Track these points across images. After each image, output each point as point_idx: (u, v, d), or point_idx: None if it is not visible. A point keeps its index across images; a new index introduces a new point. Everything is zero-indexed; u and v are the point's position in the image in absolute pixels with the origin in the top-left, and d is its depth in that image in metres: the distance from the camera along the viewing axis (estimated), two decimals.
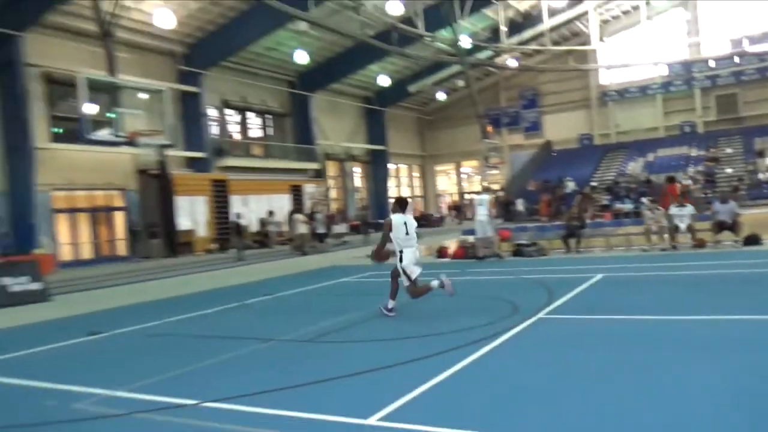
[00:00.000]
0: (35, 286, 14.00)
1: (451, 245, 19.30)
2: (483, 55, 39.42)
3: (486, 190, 20.44)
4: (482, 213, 16.26)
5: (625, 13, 42.63)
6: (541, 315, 8.44)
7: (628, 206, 31.19)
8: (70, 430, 5.31)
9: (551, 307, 8.93)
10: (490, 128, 42.61)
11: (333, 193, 40.25)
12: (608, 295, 9.76)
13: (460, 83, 43.25)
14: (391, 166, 44.79)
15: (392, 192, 45.87)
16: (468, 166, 50.58)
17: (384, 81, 38.54)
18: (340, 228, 29.69)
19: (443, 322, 8.41)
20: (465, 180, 51.17)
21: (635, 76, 42.98)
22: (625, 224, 19.80)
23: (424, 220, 41.94)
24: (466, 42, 34.85)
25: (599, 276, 11.65)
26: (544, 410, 5.04)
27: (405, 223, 9.11)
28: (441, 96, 46.08)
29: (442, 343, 7.15)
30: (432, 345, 7.09)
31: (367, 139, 42.96)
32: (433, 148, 50.42)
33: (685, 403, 5.01)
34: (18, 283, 13.78)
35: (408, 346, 7.23)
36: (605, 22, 43.21)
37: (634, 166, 38.90)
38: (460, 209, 46.52)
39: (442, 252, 18.32)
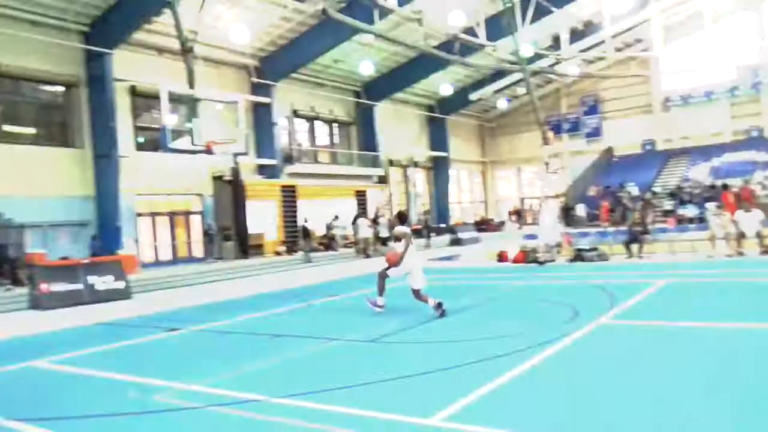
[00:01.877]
0: (119, 284, 14.57)
1: (512, 250, 19.00)
2: (544, 62, 38.74)
3: (555, 196, 19.99)
4: (548, 218, 16.08)
5: (690, 17, 41.12)
6: (602, 320, 8.19)
7: (692, 212, 29.99)
8: (149, 420, 5.49)
9: (613, 313, 8.65)
10: (551, 134, 41.84)
11: (396, 198, 40.30)
12: (673, 302, 9.38)
13: (521, 90, 42.61)
14: (452, 172, 44.48)
15: (453, 197, 45.55)
16: (528, 172, 49.78)
17: (446, 89, 38.33)
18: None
19: (503, 325, 8.27)
20: (525, 185, 50.36)
21: (699, 81, 41.32)
22: (690, 230, 19.05)
23: (484, 225, 41.51)
24: (527, 50, 34.34)
25: (663, 282, 11.23)
26: (598, 419, 4.87)
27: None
28: (502, 103, 45.48)
29: (501, 346, 7.03)
30: (492, 348, 6.98)
31: (429, 146, 42.75)
32: (494, 154, 49.86)
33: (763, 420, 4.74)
34: (103, 282, 14.35)
35: (469, 348, 7.15)
36: (668, 27, 41.76)
37: (698, 172, 37.39)
38: (521, 214, 45.79)
39: (502, 257, 18.08)
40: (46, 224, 22.08)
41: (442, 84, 38.22)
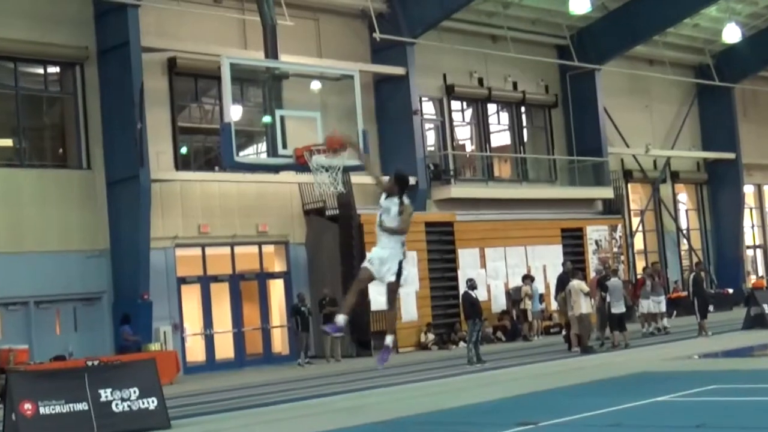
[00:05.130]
0: (149, 403, 15.11)
1: None
2: None
3: None
4: None
5: None
6: None
7: None
8: None
9: None
10: None
11: (639, 241, 39.38)
12: None
13: None
14: (747, 188, 42.98)
15: (749, 236, 43.76)
16: None
17: (731, 34, 37.21)
18: (654, 303, 28.71)
19: None
20: None
21: None
22: None
23: None
24: None
25: None
26: None
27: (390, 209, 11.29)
28: None
29: None
30: None
31: (699, 141, 41.85)
32: None
33: None
34: (123, 399, 14.97)
35: None
36: None
37: None
38: None
39: None
40: (31, 300, 23.60)
41: (724, 25, 37.15)
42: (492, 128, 35.48)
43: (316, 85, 27.34)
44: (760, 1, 37.88)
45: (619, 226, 36.19)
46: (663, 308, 28.82)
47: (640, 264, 37.27)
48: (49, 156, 25.66)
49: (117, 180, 24.71)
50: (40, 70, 25.53)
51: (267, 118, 22.60)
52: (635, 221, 39.24)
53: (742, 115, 42.23)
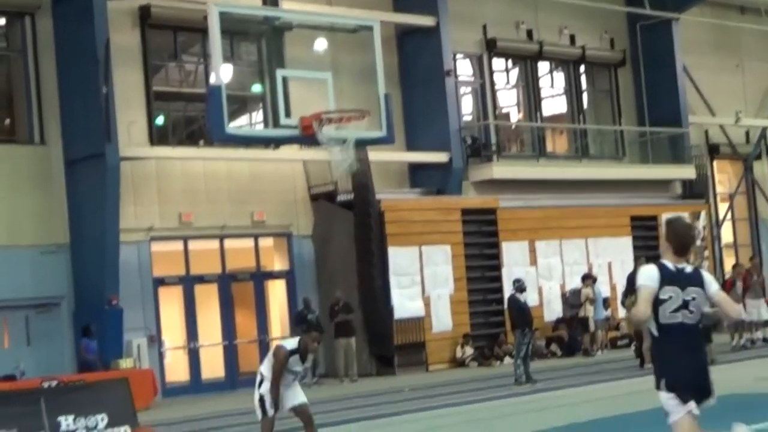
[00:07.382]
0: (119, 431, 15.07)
1: None
2: None
3: None
4: None
5: None
6: None
7: None
8: None
9: None
10: None
11: (727, 231, 39.11)
12: None
13: None
14: None
15: None
16: None
17: None
18: (750, 308, 28.38)
19: None
20: None
21: None
22: None
23: None
24: None
25: None
26: None
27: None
28: None
29: None
30: None
31: None
32: None
33: None
34: (90, 428, 14.90)
35: None
36: None
37: None
38: None
39: None
40: None
41: None
42: (544, 92, 35.44)
43: (322, 43, 27.16)
44: None
45: (703, 214, 36.05)
46: (764, 315, 28.51)
47: (728, 260, 37.10)
48: None
49: (78, 158, 24.68)
50: None
51: (261, 84, 22.46)
52: (723, 207, 39.08)
53: None
